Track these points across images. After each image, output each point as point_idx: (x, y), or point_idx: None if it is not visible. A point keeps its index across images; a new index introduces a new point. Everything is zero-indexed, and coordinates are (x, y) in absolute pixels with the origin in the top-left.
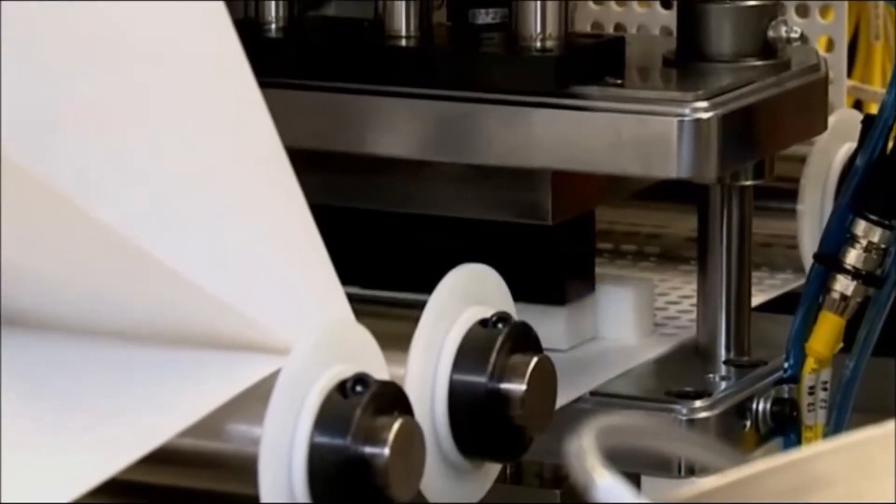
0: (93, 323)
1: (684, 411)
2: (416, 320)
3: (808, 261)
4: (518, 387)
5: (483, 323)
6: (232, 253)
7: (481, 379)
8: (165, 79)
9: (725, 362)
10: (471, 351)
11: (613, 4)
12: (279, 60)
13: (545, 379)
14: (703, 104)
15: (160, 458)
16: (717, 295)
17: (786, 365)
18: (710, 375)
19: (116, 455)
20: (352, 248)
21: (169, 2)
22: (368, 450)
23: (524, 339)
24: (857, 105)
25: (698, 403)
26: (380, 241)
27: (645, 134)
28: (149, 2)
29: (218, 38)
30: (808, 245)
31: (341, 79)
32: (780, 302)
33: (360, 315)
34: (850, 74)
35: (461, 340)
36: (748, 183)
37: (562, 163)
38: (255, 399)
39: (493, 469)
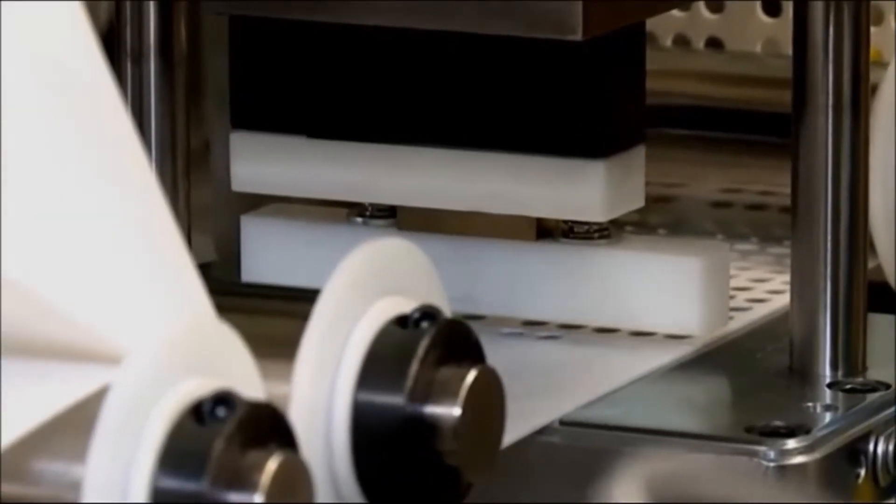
0: None
1: (772, 455)
2: (308, 317)
3: (881, 231)
4: (449, 411)
5: (401, 321)
6: (56, 245)
7: (397, 399)
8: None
9: (831, 385)
10: (383, 360)
11: None
12: None
13: (488, 400)
14: None
15: None
16: (818, 288)
17: None
18: (809, 404)
19: None
20: (316, 81)
21: (21, 1)
22: (234, 497)
23: (459, 344)
24: None
25: (792, 444)
26: (345, 67)
27: None
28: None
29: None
30: (881, 209)
31: None
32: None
33: (227, 310)
34: None
35: (369, 345)
36: None
37: None
38: (74, 427)
39: None
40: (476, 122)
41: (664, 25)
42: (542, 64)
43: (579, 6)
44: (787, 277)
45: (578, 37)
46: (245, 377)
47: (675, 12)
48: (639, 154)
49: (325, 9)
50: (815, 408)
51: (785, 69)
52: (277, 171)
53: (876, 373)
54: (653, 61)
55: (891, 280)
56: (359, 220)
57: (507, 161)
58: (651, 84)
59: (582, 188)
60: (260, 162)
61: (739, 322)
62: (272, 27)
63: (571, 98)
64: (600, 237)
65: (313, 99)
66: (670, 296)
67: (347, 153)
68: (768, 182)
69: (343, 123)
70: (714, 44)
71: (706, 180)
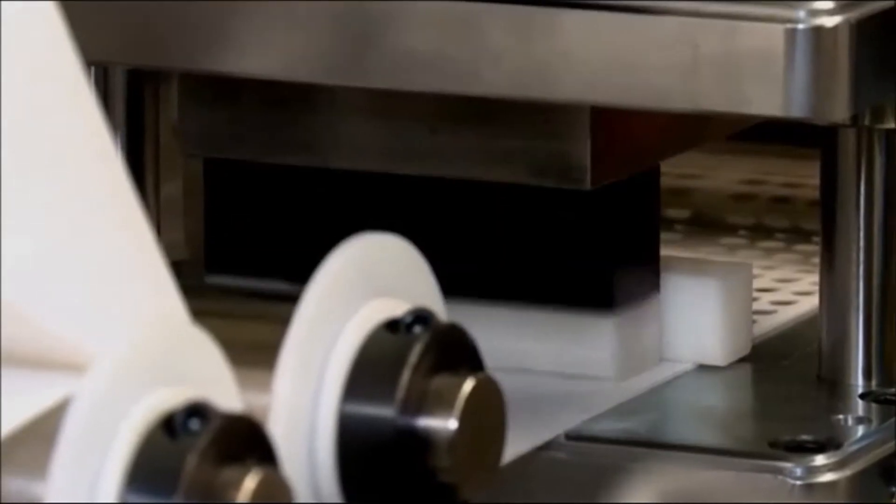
0: None
1: (799, 472)
2: (289, 320)
3: None
4: (444, 423)
5: (392, 325)
6: (20, 243)
7: (387, 411)
8: None
9: (863, 395)
10: (372, 368)
11: None
12: None
13: (487, 411)
14: (828, 4)
15: None
16: (850, 289)
17: None
18: (840, 417)
19: None
20: (296, 225)
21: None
22: None
23: (455, 350)
24: None
25: (821, 460)
26: (327, 210)
27: (736, 50)
28: None
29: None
30: None
31: None
32: None
33: (201, 313)
34: None
35: (357, 351)
36: None
37: (606, 95)
38: (35, 441)
39: None
40: (474, 272)
41: None
42: (545, 208)
43: (587, 152)
44: (815, 278)
45: (586, 186)
46: (221, 386)
47: None
48: (653, 306)
49: (314, 155)
50: (845, 420)
51: None
52: None
53: None
54: None
55: None
56: None
57: (507, 315)
58: None
59: (591, 346)
60: None
61: (763, 327)
62: (250, 170)
63: (578, 247)
64: None
65: (293, 244)
66: (686, 322)
67: None
68: (795, 172)
69: None
70: None
71: (727, 170)
